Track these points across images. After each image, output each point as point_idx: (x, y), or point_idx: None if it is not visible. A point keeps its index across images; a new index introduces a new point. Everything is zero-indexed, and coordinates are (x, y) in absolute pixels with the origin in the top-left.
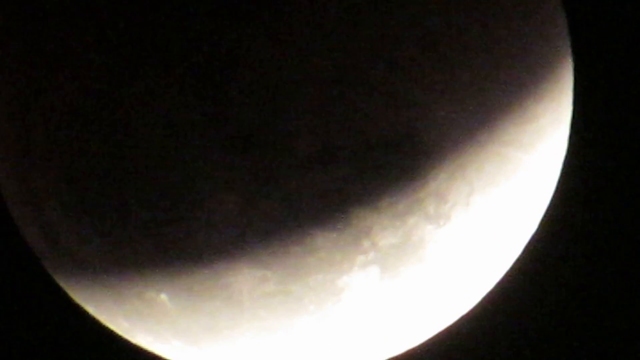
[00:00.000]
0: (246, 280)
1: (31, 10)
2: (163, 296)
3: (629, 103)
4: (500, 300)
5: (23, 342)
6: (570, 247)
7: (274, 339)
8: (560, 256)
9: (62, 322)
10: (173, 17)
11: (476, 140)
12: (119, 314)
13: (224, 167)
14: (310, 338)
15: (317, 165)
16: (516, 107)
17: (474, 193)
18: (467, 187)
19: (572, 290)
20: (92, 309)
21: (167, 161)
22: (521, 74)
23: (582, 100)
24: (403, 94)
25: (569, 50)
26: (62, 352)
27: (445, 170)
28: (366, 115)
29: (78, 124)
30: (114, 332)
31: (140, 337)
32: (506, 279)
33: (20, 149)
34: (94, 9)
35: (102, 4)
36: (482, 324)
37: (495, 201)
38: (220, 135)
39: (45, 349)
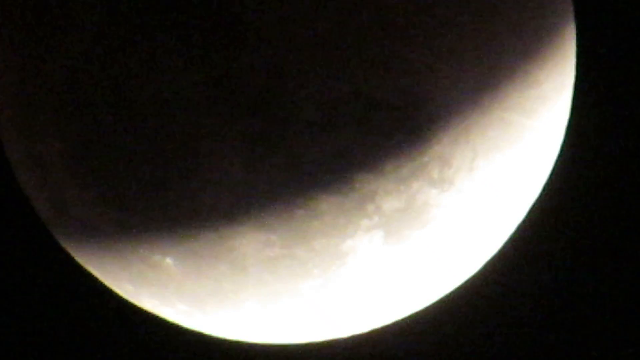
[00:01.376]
0: (251, 244)
1: None
2: (168, 260)
3: (633, 68)
4: (503, 265)
5: (29, 306)
6: (572, 213)
7: (279, 303)
8: (561, 223)
9: (68, 285)
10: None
11: (479, 105)
12: (125, 277)
13: (229, 130)
14: (314, 302)
15: (321, 129)
16: (519, 72)
17: (477, 158)
18: (471, 151)
19: (574, 255)
20: (98, 272)
21: (172, 124)
22: (524, 40)
23: (585, 66)
24: (406, 58)
25: (572, 16)
26: (68, 316)
27: (449, 135)
28: (370, 80)
29: (82, 88)
30: (120, 296)
31: (145, 301)
32: (509, 244)
33: (26, 116)
34: None
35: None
36: (484, 289)
37: (498, 166)
38: (225, 99)
39: (51, 313)
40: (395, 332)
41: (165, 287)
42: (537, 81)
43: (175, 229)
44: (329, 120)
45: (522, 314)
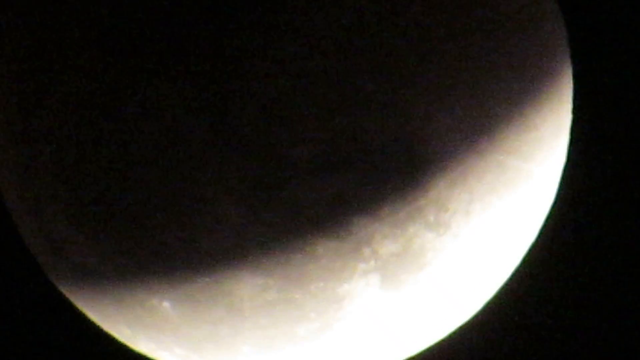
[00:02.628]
0: (247, 288)
1: (33, 17)
2: (165, 304)
3: (629, 112)
4: (500, 309)
5: (26, 349)
6: (570, 256)
7: (276, 347)
8: (559, 265)
9: (65, 329)
10: (175, 26)
11: (476, 149)
12: (122, 321)
13: (226, 174)
14: (311, 346)
15: (318, 173)
16: (516, 116)
17: (474, 201)
18: (467, 195)
19: (572, 298)
20: (94, 316)
21: (169, 169)
22: (521, 84)
23: (581, 110)
24: (403, 103)
25: (569, 60)
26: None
27: (446, 179)
28: (366, 124)
29: (80, 132)
30: (117, 339)
31: (142, 345)
32: (506, 288)
33: (23, 158)
34: (96, 17)
35: (105, 13)
36: (481, 332)
37: (495, 210)
38: (221, 143)
39: (48, 356)
40: None
41: (162, 331)
42: (533, 125)
43: (172, 273)
44: (325, 165)
45: (521, 357)
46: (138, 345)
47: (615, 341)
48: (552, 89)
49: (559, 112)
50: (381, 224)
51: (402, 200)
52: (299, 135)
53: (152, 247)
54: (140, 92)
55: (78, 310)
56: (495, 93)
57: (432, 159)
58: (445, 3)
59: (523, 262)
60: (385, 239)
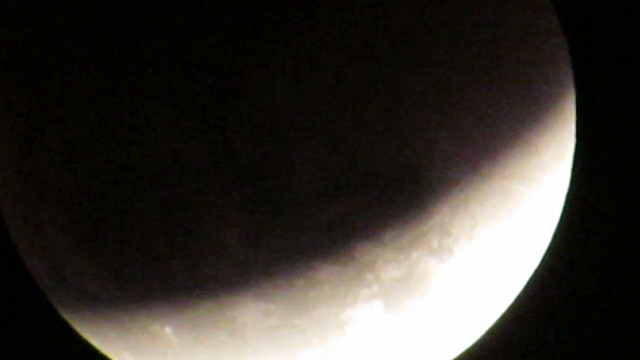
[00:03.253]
0: (250, 313)
1: (33, 43)
2: (167, 329)
3: (633, 136)
4: (504, 333)
5: None
6: (573, 281)
7: None
8: (563, 290)
9: (66, 354)
10: (176, 50)
11: (479, 174)
12: (123, 347)
13: (228, 200)
14: None
15: (321, 198)
16: (519, 141)
17: (477, 226)
18: (471, 220)
19: (576, 322)
20: (96, 341)
21: (171, 195)
22: (524, 109)
23: (585, 134)
24: (406, 129)
25: (572, 85)
26: None
27: (449, 204)
28: (369, 150)
29: (81, 157)
30: None
31: None
32: (509, 313)
33: (24, 183)
34: (96, 41)
35: (105, 37)
36: (485, 357)
37: (498, 234)
38: (224, 169)
39: None
40: None
41: (164, 356)
42: (536, 150)
43: (174, 298)
44: (327, 190)
45: None
46: None
47: None
48: (555, 113)
49: (562, 136)
50: (384, 249)
51: (406, 226)
52: (300, 160)
53: (154, 273)
54: (141, 115)
55: (79, 335)
56: (498, 118)
57: (435, 185)
58: (448, 30)
59: (526, 287)
60: (388, 264)
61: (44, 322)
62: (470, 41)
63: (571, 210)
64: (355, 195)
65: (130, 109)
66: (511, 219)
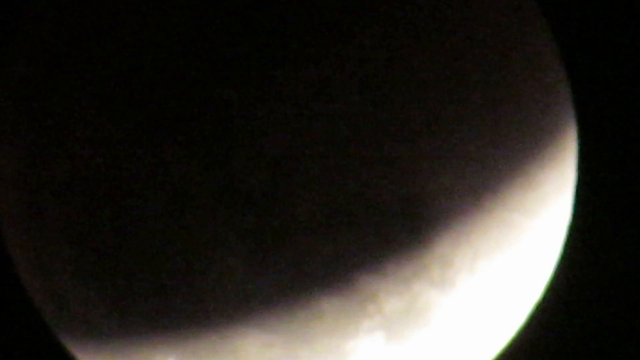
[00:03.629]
0: (253, 345)
1: (36, 79)
2: None
3: (634, 169)
4: None
5: None
6: (576, 312)
7: None
8: (564, 322)
9: None
10: (177, 87)
11: (481, 206)
12: None
13: (230, 233)
14: None
15: (323, 230)
16: (520, 174)
17: (478, 258)
18: (472, 252)
19: (578, 356)
20: None
21: (174, 228)
22: (525, 142)
23: (586, 166)
24: (407, 163)
25: (573, 118)
26: None
27: (451, 236)
28: (370, 183)
29: (85, 192)
30: None
31: None
32: (511, 345)
33: (28, 216)
34: (100, 78)
35: (109, 74)
36: None
37: (500, 266)
38: (226, 202)
39: None
40: None
41: None
42: (537, 183)
43: (177, 329)
44: (329, 221)
45: None
46: None
47: None
48: (556, 146)
49: (563, 169)
50: (386, 281)
51: (407, 258)
52: (303, 193)
53: (156, 304)
54: (145, 152)
55: None
56: (498, 151)
57: (436, 217)
58: (449, 65)
59: (528, 319)
60: (390, 295)
61: (47, 352)
62: (471, 75)
63: (572, 242)
64: (357, 227)
65: (134, 147)
66: (512, 251)
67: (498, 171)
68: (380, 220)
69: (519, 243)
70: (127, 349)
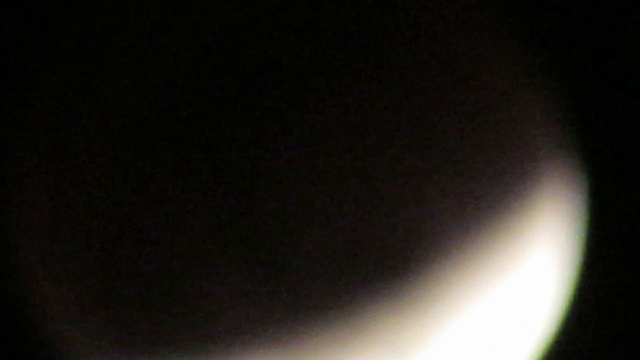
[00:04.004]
0: None
1: (61, 124)
2: None
3: (634, 212)
4: None
5: None
6: (578, 346)
7: None
8: (567, 355)
9: None
10: (191, 145)
11: (471, 248)
12: None
13: (234, 274)
14: None
15: (324, 279)
16: (512, 215)
17: (470, 299)
18: (467, 285)
19: None
20: None
21: (186, 278)
22: (517, 185)
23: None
24: (393, 206)
25: (569, 157)
26: None
27: (442, 276)
28: (365, 235)
29: (98, 246)
30: None
31: None
32: None
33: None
34: (112, 138)
35: (122, 135)
36: None
37: (492, 308)
38: (237, 255)
39: None
40: None
41: None
42: (531, 223)
43: None
44: (331, 270)
45: None
46: None
47: None
48: (552, 181)
49: (559, 204)
50: (385, 311)
51: (401, 296)
52: (305, 243)
53: (160, 336)
54: (162, 207)
55: None
56: (490, 194)
57: (426, 258)
58: (446, 112)
59: (527, 353)
60: (389, 326)
61: None
62: (468, 140)
63: (572, 276)
64: (355, 267)
65: (151, 201)
66: (505, 293)
67: (489, 213)
68: (374, 276)
69: (512, 284)
70: None
